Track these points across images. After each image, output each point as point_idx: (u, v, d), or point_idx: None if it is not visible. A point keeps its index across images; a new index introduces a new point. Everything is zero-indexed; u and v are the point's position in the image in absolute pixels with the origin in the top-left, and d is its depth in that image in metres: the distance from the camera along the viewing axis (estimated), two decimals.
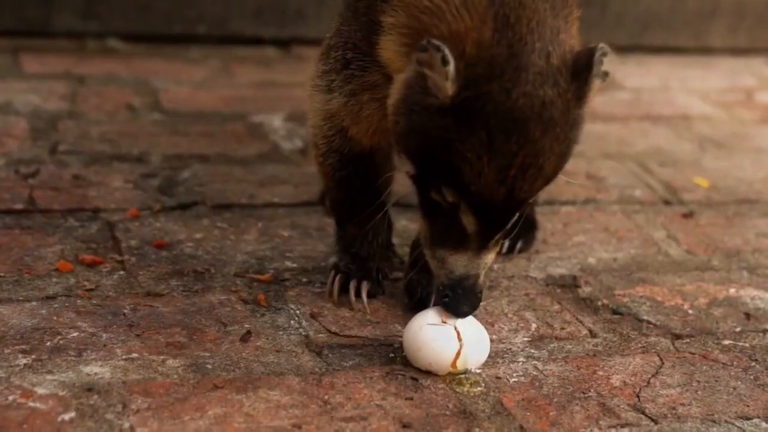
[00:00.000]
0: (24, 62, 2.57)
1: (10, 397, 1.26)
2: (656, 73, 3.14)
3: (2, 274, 1.55)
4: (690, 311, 1.67)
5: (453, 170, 1.29)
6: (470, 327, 1.42)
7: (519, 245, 1.79)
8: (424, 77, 1.28)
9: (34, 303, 1.48)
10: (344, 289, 1.58)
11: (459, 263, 1.38)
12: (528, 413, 1.35)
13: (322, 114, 1.56)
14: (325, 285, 1.61)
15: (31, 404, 1.25)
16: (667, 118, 2.70)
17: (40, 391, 1.28)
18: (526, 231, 1.81)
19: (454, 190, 1.31)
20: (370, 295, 1.58)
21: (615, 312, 1.64)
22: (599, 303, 1.67)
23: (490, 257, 1.40)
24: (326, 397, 1.33)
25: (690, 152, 2.46)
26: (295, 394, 1.33)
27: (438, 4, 1.30)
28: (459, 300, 1.39)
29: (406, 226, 1.82)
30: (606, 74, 1.30)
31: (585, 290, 1.71)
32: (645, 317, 1.63)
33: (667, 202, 2.12)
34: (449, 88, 1.25)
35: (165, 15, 2.85)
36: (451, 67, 1.24)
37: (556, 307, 1.64)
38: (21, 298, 1.49)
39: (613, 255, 1.85)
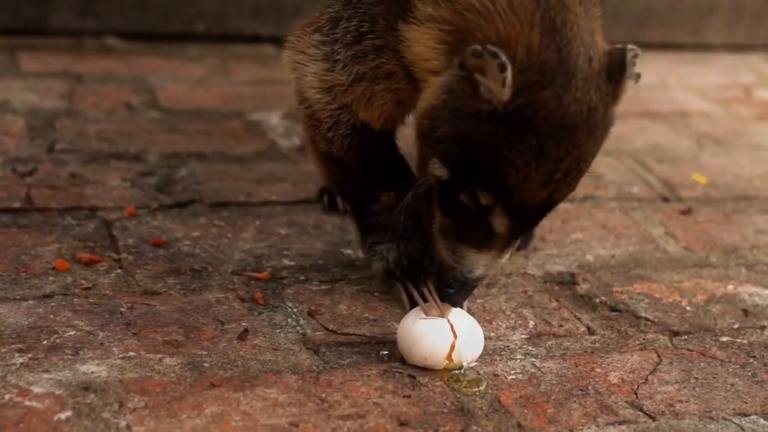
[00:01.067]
0: (21, 60, 2.57)
1: (7, 396, 1.25)
2: (654, 69, 3.13)
3: None
4: (688, 308, 1.67)
5: (496, 175, 1.28)
6: (463, 320, 1.42)
7: (517, 243, 1.79)
8: (472, 83, 1.26)
9: (30, 302, 1.48)
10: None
11: (481, 262, 1.38)
12: (526, 410, 1.35)
13: (320, 85, 1.50)
14: (323, 283, 1.61)
15: (27, 403, 1.25)
16: (665, 115, 2.70)
17: (37, 389, 1.28)
18: None
19: (492, 194, 1.31)
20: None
21: (613, 309, 1.64)
22: (597, 300, 1.67)
23: (507, 257, 1.42)
24: (323, 395, 1.33)
25: (688, 149, 2.46)
26: (292, 393, 1.33)
27: (485, 4, 1.28)
28: (463, 295, 1.42)
29: None
30: (639, 75, 1.31)
31: (583, 287, 1.71)
32: (643, 314, 1.63)
33: (665, 199, 2.12)
34: (506, 93, 1.24)
35: (163, 13, 2.85)
36: (509, 74, 1.23)
37: (554, 304, 1.64)
38: (18, 297, 1.49)
39: (611, 252, 1.85)
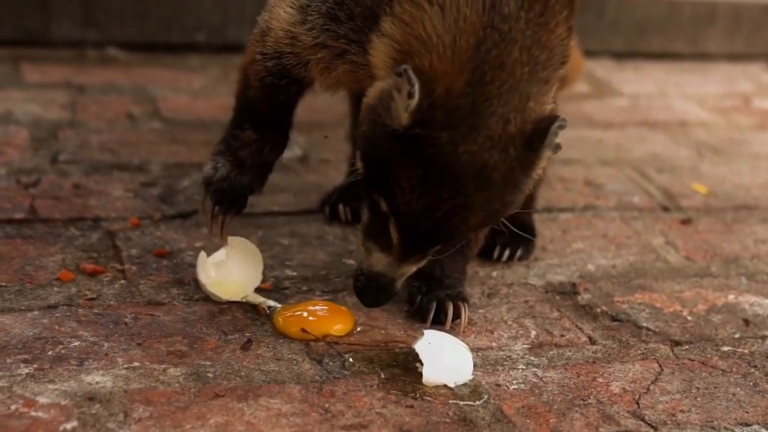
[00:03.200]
0: (24, 71, 2.58)
1: (12, 407, 1.26)
2: (653, 79, 3.15)
3: (4, 284, 1.56)
4: (689, 318, 1.68)
5: (389, 189, 1.32)
6: (447, 343, 1.44)
7: (518, 253, 1.80)
8: (391, 98, 1.29)
9: (35, 312, 1.49)
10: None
11: (381, 262, 1.41)
12: (528, 420, 1.35)
13: (286, 28, 1.53)
14: (326, 293, 1.62)
15: (33, 413, 1.25)
16: (664, 124, 2.71)
17: (42, 400, 1.28)
18: (525, 239, 1.82)
19: (387, 205, 1.35)
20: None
21: (614, 319, 1.65)
22: (598, 310, 1.67)
23: (411, 268, 1.44)
24: (327, 405, 1.34)
25: (688, 158, 2.47)
26: (295, 403, 1.34)
27: (430, 34, 1.30)
28: (368, 290, 1.44)
29: None
30: (558, 146, 1.31)
31: (584, 297, 1.71)
32: (644, 324, 1.64)
33: (665, 209, 2.13)
34: (405, 119, 1.28)
35: (164, 23, 2.85)
36: (414, 103, 1.26)
37: (556, 314, 1.65)
38: (23, 308, 1.50)
39: (611, 262, 1.85)
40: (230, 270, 1.59)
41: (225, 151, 1.63)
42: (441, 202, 1.30)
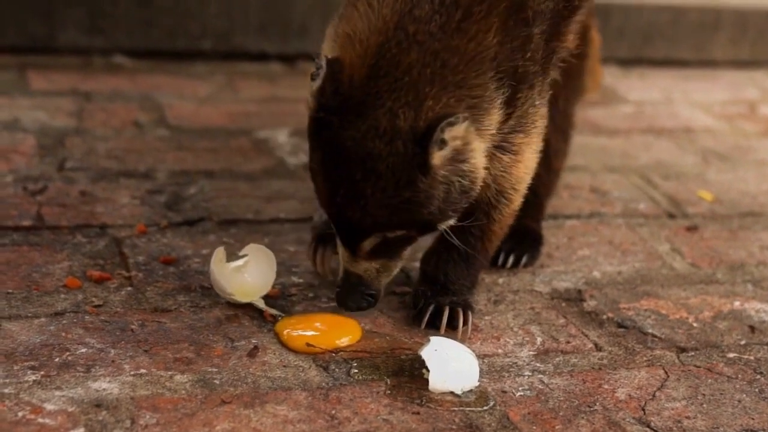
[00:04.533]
0: (30, 79, 2.58)
1: (20, 413, 1.26)
2: (659, 86, 3.15)
3: (11, 291, 1.56)
4: (695, 324, 1.68)
5: (312, 173, 1.43)
6: (452, 350, 1.44)
7: (524, 260, 1.80)
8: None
9: (42, 319, 1.49)
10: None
11: (343, 259, 1.48)
12: (534, 427, 1.35)
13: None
14: (332, 300, 1.62)
15: (40, 420, 1.26)
16: (670, 131, 2.71)
17: (49, 407, 1.29)
18: (531, 245, 1.82)
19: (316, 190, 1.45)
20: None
21: (620, 325, 1.65)
22: (604, 316, 1.68)
23: (369, 265, 1.47)
24: (333, 411, 1.34)
25: (693, 165, 2.47)
26: (302, 409, 1.34)
27: (355, 31, 1.40)
28: (344, 294, 1.49)
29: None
30: (443, 141, 1.35)
31: (590, 304, 1.71)
32: (650, 330, 1.64)
33: (671, 216, 2.13)
34: (311, 102, 1.39)
35: (169, 30, 2.86)
36: (315, 85, 1.37)
37: (562, 320, 1.65)
38: (30, 315, 1.50)
39: (617, 268, 1.86)
40: (248, 273, 1.60)
41: None
42: (337, 186, 1.37)
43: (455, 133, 1.35)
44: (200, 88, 2.66)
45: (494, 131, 1.45)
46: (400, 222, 1.41)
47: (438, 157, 1.36)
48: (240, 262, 1.59)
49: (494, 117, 1.43)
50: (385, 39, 1.38)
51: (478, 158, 1.42)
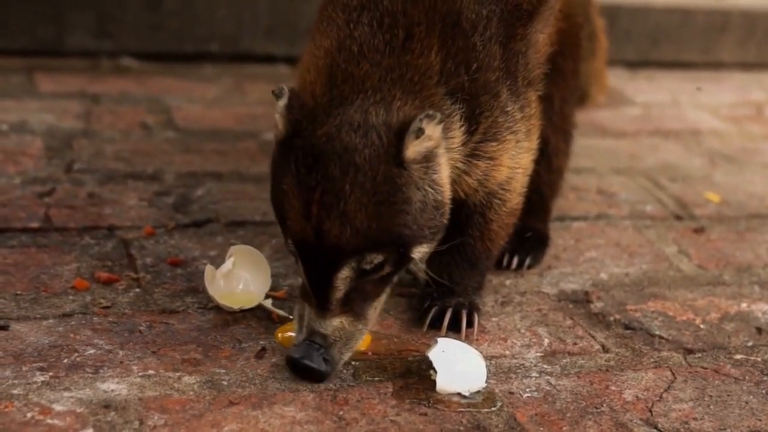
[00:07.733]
0: (39, 81, 2.59)
1: (29, 414, 1.27)
2: (666, 88, 3.15)
3: (19, 292, 1.57)
4: (702, 326, 1.68)
5: (277, 203, 1.40)
6: (459, 352, 1.44)
7: (528, 261, 1.80)
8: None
9: (51, 320, 1.50)
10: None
11: (308, 316, 1.40)
12: (541, 428, 1.35)
13: None
14: None
15: (48, 421, 1.26)
16: (677, 133, 2.71)
17: (58, 407, 1.29)
18: (535, 246, 1.83)
19: (283, 230, 1.40)
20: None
21: (627, 327, 1.65)
22: (611, 318, 1.68)
23: (338, 320, 1.39)
24: (341, 412, 1.34)
25: (700, 167, 2.47)
26: (309, 410, 1.34)
27: (314, 55, 1.46)
28: (302, 353, 1.39)
29: None
30: (421, 130, 1.35)
31: (597, 305, 1.72)
32: (657, 332, 1.64)
33: (678, 217, 2.13)
34: (279, 121, 1.39)
35: (177, 33, 2.87)
36: (281, 104, 1.38)
37: (569, 322, 1.65)
38: (38, 316, 1.51)
39: (624, 270, 1.86)
40: (239, 279, 1.60)
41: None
42: (313, 192, 1.34)
43: (430, 130, 1.36)
44: (208, 91, 2.67)
45: (459, 145, 1.46)
46: (379, 233, 1.35)
47: (412, 151, 1.36)
48: (228, 265, 1.59)
49: (456, 132, 1.44)
50: (332, 60, 1.42)
51: (444, 171, 1.42)
